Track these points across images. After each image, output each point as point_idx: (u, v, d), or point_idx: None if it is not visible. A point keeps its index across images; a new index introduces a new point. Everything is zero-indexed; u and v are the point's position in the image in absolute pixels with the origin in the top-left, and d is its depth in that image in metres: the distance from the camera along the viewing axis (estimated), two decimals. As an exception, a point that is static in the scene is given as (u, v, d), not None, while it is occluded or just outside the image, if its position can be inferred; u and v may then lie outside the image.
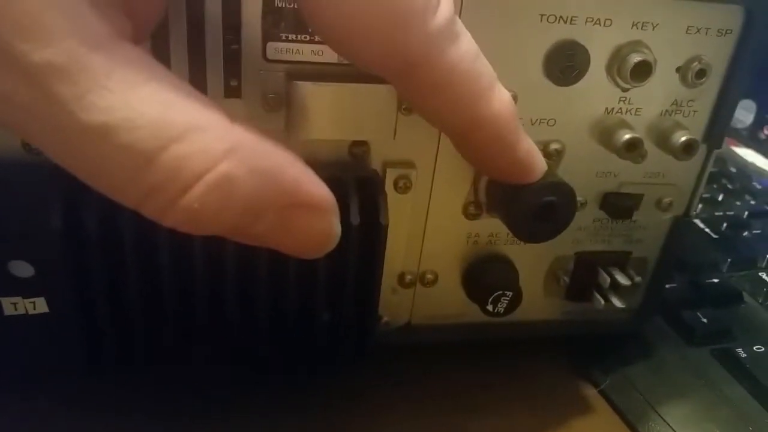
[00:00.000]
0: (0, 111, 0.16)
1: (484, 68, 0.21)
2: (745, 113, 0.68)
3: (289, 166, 0.18)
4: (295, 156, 0.19)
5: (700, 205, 0.48)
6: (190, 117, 0.16)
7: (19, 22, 0.15)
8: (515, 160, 0.24)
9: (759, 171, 0.61)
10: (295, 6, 0.23)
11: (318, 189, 0.19)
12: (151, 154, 0.16)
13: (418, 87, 0.21)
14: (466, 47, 0.20)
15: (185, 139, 0.16)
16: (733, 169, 0.58)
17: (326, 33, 0.20)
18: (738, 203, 0.52)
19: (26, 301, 0.26)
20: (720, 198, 0.52)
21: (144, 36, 0.20)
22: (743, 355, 0.34)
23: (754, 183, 0.56)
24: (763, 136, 0.67)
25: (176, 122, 0.16)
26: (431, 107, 0.22)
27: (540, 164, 0.24)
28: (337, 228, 0.20)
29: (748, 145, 0.66)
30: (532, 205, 0.25)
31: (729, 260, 0.43)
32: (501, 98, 0.22)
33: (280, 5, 0.23)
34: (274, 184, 0.18)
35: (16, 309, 0.26)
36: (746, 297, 0.40)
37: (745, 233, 0.47)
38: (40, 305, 0.26)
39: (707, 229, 0.47)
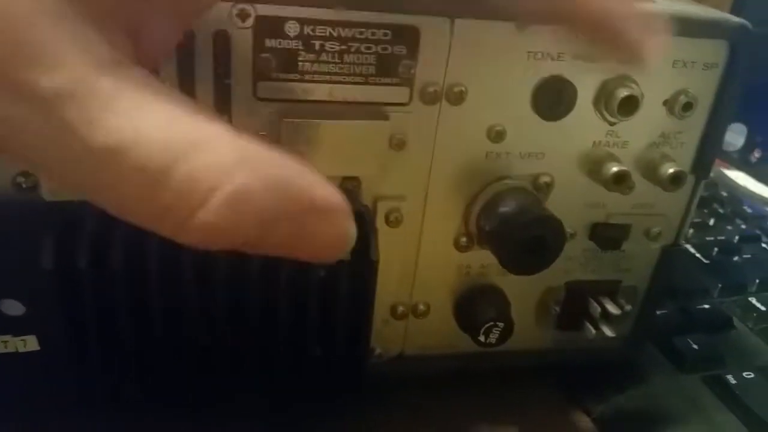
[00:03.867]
0: (10, 139, 0.16)
1: None
2: (736, 136, 0.68)
3: (301, 174, 0.18)
4: (303, 163, 0.18)
5: (690, 230, 0.49)
6: (198, 132, 0.16)
7: (25, 51, 0.15)
8: (627, 42, 0.22)
9: (750, 194, 0.61)
10: (285, 46, 0.23)
11: (331, 194, 0.18)
12: (164, 172, 0.16)
13: None
14: None
15: (195, 154, 0.16)
16: (725, 193, 0.58)
17: None
18: (729, 227, 0.52)
19: (17, 339, 0.26)
20: (711, 222, 0.52)
21: (154, 59, 0.20)
22: (733, 382, 0.34)
23: (745, 207, 0.56)
24: (753, 159, 0.67)
25: (184, 138, 0.16)
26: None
27: (657, 48, 0.22)
28: (352, 230, 0.19)
29: (739, 168, 0.67)
30: (521, 239, 0.26)
31: (719, 285, 0.43)
32: None
33: (270, 45, 0.23)
34: (288, 192, 0.17)
35: (6, 347, 0.26)
36: (736, 322, 0.40)
37: (736, 258, 0.47)
38: (31, 343, 0.26)
39: (698, 255, 0.47)
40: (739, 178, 0.65)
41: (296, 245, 0.18)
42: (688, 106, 0.28)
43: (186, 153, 0.16)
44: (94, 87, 0.16)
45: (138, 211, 0.17)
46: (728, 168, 0.66)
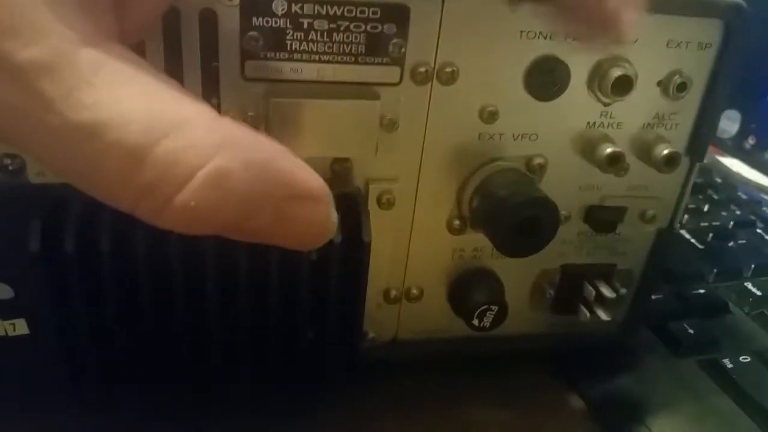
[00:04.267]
0: None
1: None
2: (730, 123, 0.68)
3: (282, 158, 0.18)
4: (285, 148, 0.18)
5: (685, 216, 0.48)
6: (179, 111, 0.16)
7: (3, 21, 0.15)
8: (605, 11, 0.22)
9: (744, 180, 0.61)
10: (273, 24, 0.23)
11: (313, 179, 0.18)
12: (143, 151, 0.16)
13: None
14: None
15: (176, 134, 0.16)
16: (719, 179, 0.58)
17: None
18: (723, 213, 0.52)
19: (6, 322, 0.25)
20: (705, 208, 0.52)
21: (132, 37, 0.20)
22: (729, 366, 0.34)
23: (740, 193, 0.56)
24: (748, 146, 0.67)
25: (165, 117, 0.16)
26: None
27: (630, 23, 0.22)
28: (334, 217, 0.19)
29: (733, 155, 0.67)
30: (515, 221, 0.25)
31: (715, 271, 0.43)
32: None
33: (257, 23, 0.23)
34: (269, 176, 0.17)
35: (-5, 330, 0.26)
36: (732, 307, 0.40)
37: (731, 243, 0.47)
38: (20, 327, 0.26)
39: (693, 240, 0.47)
40: (734, 164, 0.65)
41: (276, 231, 0.18)
42: (682, 87, 0.28)
43: (167, 133, 0.16)
44: (73, 60, 0.15)
45: (116, 192, 0.16)
46: (722, 155, 0.66)
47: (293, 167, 0.18)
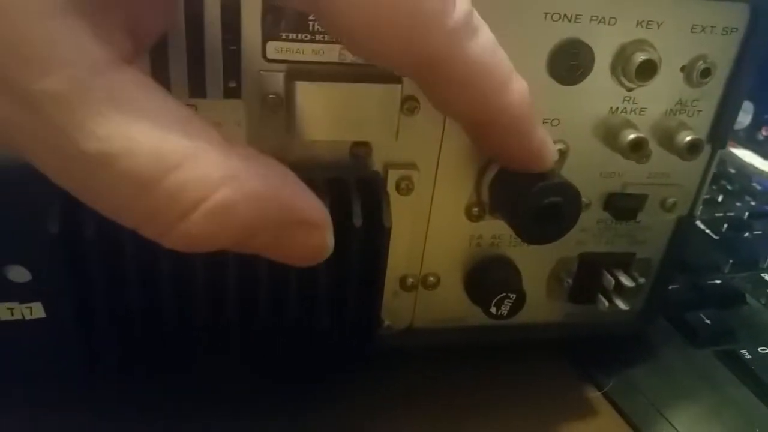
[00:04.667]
0: (2, 134, 0.16)
1: (503, 59, 0.21)
2: (743, 114, 0.68)
3: (285, 187, 0.19)
4: (289, 173, 0.19)
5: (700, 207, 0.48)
6: (188, 144, 0.17)
7: (19, 51, 0.15)
8: (531, 149, 0.24)
9: (758, 172, 0.60)
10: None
11: (312, 207, 0.19)
12: (150, 182, 0.16)
13: (439, 82, 0.21)
14: (484, 40, 0.20)
15: (183, 167, 0.16)
16: (732, 170, 0.58)
17: (344, 34, 0.20)
18: (738, 204, 0.51)
19: (23, 306, 0.25)
20: (720, 199, 0.52)
21: (145, 48, 0.20)
22: (748, 357, 0.34)
23: (754, 184, 0.55)
24: (761, 137, 0.67)
25: (174, 150, 0.16)
26: (451, 101, 0.22)
27: (552, 153, 0.24)
28: (330, 241, 0.20)
29: (745, 146, 0.66)
30: (537, 206, 0.25)
31: (730, 261, 0.43)
32: (519, 88, 0.22)
33: (280, 4, 0.23)
34: (270, 206, 0.18)
35: (12, 314, 0.25)
36: (749, 298, 0.40)
37: (746, 234, 0.47)
38: (37, 310, 0.25)
39: (708, 231, 0.46)
40: (746, 156, 0.64)
41: (275, 251, 0.20)
42: (706, 72, 0.28)
43: (174, 166, 0.16)
44: (87, 91, 0.16)
45: (121, 214, 0.17)
46: (735, 146, 0.66)
47: (295, 195, 0.19)
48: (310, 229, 0.19)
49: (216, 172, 0.17)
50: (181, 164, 0.16)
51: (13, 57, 0.15)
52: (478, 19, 0.20)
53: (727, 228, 0.47)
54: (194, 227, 0.17)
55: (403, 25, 0.18)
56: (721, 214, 0.49)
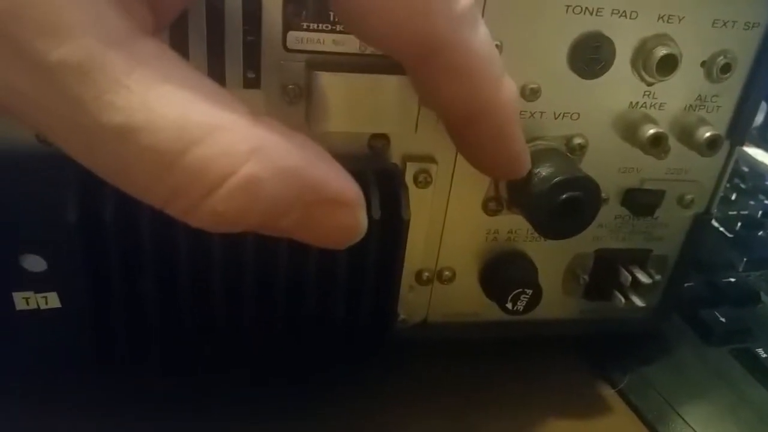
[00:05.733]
0: (20, 109, 0.16)
1: (497, 55, 0.21)
2: (755, 112, 0.67)
3: (315, 162, 0.18)
4: (320, 149, 0.18)
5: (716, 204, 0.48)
6: (213, 116, 0.16)
7: (36, 19, 0.15)
8: (513, 153, 0.24)
9: (771, 170, 0.60)
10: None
11: (344, 184, 0.19)
12: (174, 157, 0.15)
13: (439, 72, 0.20)
14: (484, 33, 0.20)
15: (208, 141, 0.16)
16: (746, 168, 0.57)
17: (351, 18, 0.20)
18: (752, 202, 0.51)
19: (38, 296, 0.25)
20: (733, 197, 0.52)
21: (165, 24, 0.20)
22: (764, 355, 0.34)
23: (767, 182, 0.55)
24: (773, 136, 0.66)
25: (198, 123, 0.16)
26: (445, 93, 0.21)
27: (529, 162, 0.25)
28: (363, 221, 0.19)
29: (758, 145, 0.66)
30: (557, 201, 0.25)
31: (745, 259, 0.43)
32: (509, 86, 0.22)
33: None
34: (299, 182, 0.17)
35: (28, 304, 0.25)
36: (763, 296, 0.40)
37: (760, 233, 0.46)
38: (52, 300, 0.25)
39: (722, 228, 0.46)
40: (759, 154, 0.64)
41: (305, 231, 0.18)
42: (726, 68, 0.27)
43: (198, 140, 0.16)
44: (105, 61, 0.15)
45: (147, 191, 0.16)
46: (748, 145, 0.65)
47: (326, 172, 0.18)
48: (342, 207, 0.18)
49: (243, 145, 0.16)
50: (206, 137, 0.16)
51: (28, 25, 0.15)
52: (478, 10, 0.20)
53: (741, 226, 0.47)
54: (221, 204, 0.16)
55: (409, 8, 0.18)
56: (734, 213, 0.49)
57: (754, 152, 0.64)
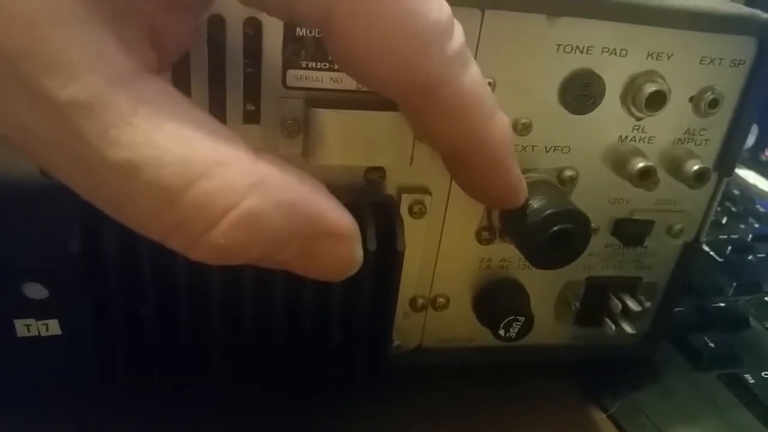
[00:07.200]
0: (26, 144, 0.16)
1: (490, 92, 0.22)
2: (746, 135, 0.68)
3: (313, 196, 0.18)
4: (317, 183, 0.19)
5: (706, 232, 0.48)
6: (215, 152, 0.16)
7: (44, 58, 0.15)
8: (508, 185, 0.24)
9: (761, 193, 0.61)
10: (316, 35, 0.23)
11: (341, 217, 0.19)
12: (177, 192, 0.16)
13: (432, 109, 0.21)
14: (476, 71, 0.21)
15: (210, 176, 0.16)
16: (736, 192, 0.58)
17: (347, 62, 0.20)
18: (742, 226, 0.52)
19: (39, 323, 0.26)
20: (724, 221, 0.52)
21: (169, 63, 0.20)
22: (751, 381, 0.34)
23: (758, 206, 0.56)
24: (764, 158, 0.67)
25: (201, 158, 0.16)
26: (440, 130, 0.22)
27: (525, 191, 0.25)
28: (359, 253, 0.20)
29: (749, 167, 0.67)
30: (547, 233, 0.25)
31: (734, 284, 0.43)
32: (502, 121, 0.22)
33: (300, 34, 0.23)
34: (298, 216, 0.18)
35: (29, 331, 0.26)
36: (752, 321, 0.40)
37: (750, 257, 0.47)
38: (53, 327, 0.26)
39: (712, 253, 0.47)
40: (750, 176, 0.65)
41: (303, 263, 0.19)
42: (714, 103, 0.28)
43: (201, 175, 0.16)
44: (110, 98, 0.15)
45: (147, 225, 0.17)
46: (738, 167, 0.66)
47: (323, 205, 0.19)
48: (340, 240, 0.19)
49: (243, 180, 0.17)
50: (208, 172, 0.16)
51: (36, 64, 0.15)
52: (468, 49, 0.21)
53: (731, 250, 0.47)
54: (222, 237, 0.16)
55: (403, 48, 0.19)
56: (725, 237, 0.50)
57: (745, 174, 0.65)
